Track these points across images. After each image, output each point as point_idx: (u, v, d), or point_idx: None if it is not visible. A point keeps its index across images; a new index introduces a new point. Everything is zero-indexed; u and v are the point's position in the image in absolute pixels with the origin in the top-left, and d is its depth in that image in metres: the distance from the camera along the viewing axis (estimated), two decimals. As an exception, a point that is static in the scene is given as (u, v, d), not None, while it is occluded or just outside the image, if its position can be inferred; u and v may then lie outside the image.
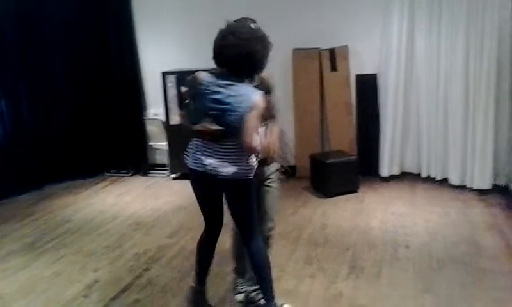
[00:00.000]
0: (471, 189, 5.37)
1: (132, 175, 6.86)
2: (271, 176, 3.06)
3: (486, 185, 5.27)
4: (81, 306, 3.41)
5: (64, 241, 4.63)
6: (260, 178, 2.97)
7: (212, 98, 2.71)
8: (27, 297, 3.60)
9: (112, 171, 6.94)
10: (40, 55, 6.42)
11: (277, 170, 3.13)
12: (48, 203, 5.82)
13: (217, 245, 3.15)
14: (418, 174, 5.89)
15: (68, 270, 4.02)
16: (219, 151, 2.72)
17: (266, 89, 2.82)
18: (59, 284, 3.76)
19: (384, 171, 5.88)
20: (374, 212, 4.95)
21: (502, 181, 5.36)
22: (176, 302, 3.44)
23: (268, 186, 3.06)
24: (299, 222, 4.74)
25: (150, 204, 5.60)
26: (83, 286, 3.71)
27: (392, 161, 5.90)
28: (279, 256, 4.04)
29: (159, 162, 7.04)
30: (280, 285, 3.57)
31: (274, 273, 3.71)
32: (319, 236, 4.43)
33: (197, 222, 4.87)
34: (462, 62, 5.28)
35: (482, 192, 5.26)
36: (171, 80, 6.38)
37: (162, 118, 6.65)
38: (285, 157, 6.26)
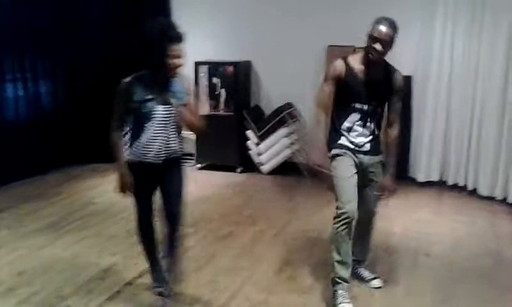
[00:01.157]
0: (501, 201, 5.20)
1: (159, 162, 6.90)
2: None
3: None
4: (96, 289, 3.45)
5: (87, 223, 4.70)
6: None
7: None
8: (44, 275, 3.66)
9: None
10: (77, 45, 6.56)
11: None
12: (74, 183, 5.93)
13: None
14: (445, 182, 5.74)
15: (87, 252, 4.08)
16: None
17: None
18: (77, 266, 3.81)
19: (421, 177, 5.78)
20: (398, 217, 4.85)
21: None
22: (189, 290, 3.44)
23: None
24: (321, 222, 4.68)
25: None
26: (100, 269, 3.76)
27: (428, 166, 5.77)
28: (296, 255, 4.01)
29: (186, 151, 7.04)
30: (296, 283, 3.55)
31: (290, 271, 3.71)
32: (339, 237, 4.36)
33: (217, 215, 4.93)
34: (501, 70, 5.12)
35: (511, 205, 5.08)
36: (203, 70, 6.40)
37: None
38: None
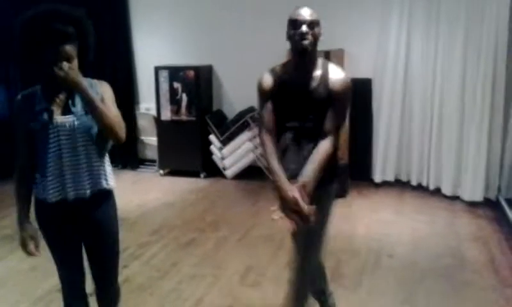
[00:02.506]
0: (461, 200, 5.32)
1: (120, 169, 6.79)
2: None
3: (477, 197, 5.22)
4: (54, 302, 3.34)
5: (45, 233, 4.55)
6: None
7: None
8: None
9: (100, 164, 6.86)
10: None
11: None
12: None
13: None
14: (408, 182, 5.83)
15: (46, 263, 3.91)
16: None
17: None
18: (34, 278, 3.70)
19: (377, 177, 5.83)
20: (360, 218, 4.90)
21: (492, 195, 5.29)
22: (153, 301, 3.38)
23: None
24: (285, 226, 4.67)
25: (135, 199, 5.53)
26: (58, 280, 3.64)
27: (384, 167, 5.84)
28: (260, 260, 3.99)
29: (148, 157, 6.98)
30: (259, 289, 3.53)
31: (254, 276, 3.69)
32: (302, 240, 4.37)
33: (181, 221, 4.87)
34: (458, 72, 5.23)
35: (472, 204, 5.20)
36: (164, 75, 6.33)
37: (154, 112, 6.59)
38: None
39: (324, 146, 2.39)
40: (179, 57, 6.53)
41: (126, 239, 4.41)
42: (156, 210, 5.20)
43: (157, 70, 6.33)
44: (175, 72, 6.30)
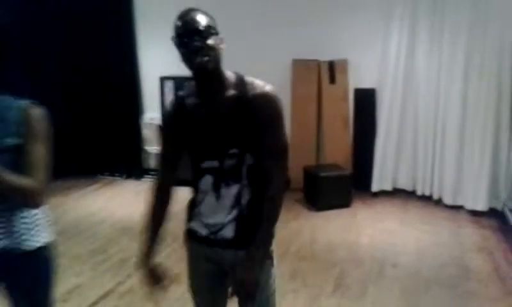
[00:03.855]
0: (466, 210, 5.31)
1: (125, 179, 6.81)
2: None
3: (482, 206, 5.20)
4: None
5: (50, 243, 4.58)
6: None
7: None
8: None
9: (105, 173, 6.90)
10: (37, 54, 6.41)
11: None
12: (38, 203, 5.77)
13: None
14: (413, 192, 5.82)
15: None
16: None
17: None
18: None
19: (375, 187, 5.82)
20: (365, 228, 4.89)
21: (498, 205, 5.27)
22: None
23: None
24: (288, 235, 4.68)
25: (140, 209, 5.46)
26: (63, 290, 3.65)
27: (385, 177, 5.84)
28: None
29: (153, 166, 6.99)
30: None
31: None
32: (306, 250, 4.37)
33: (184, 231, 4.87)
34: (461, 82, 5.24)
35: (476, 214, 5.19)
36: (169, 85, 6.36)
37: (159, 122, 6.61)
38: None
39: (269, 194, 1.87)
40: (184, 67, 6.55)
41: (130, 248, 4.43)
42: (160, 220, 5.21)
43: (162, 80, 6.36)
44: (180, 82, 6.32)
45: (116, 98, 6.74)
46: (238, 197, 1.87)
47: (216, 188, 1.89)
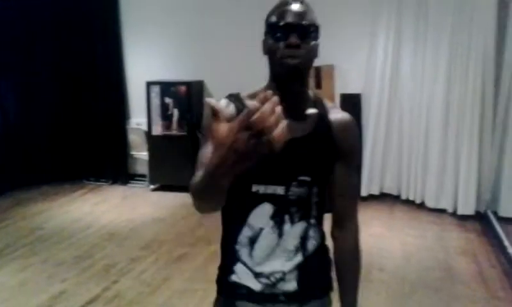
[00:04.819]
0: (450, 214, 5.36)
1: (111, 184, 6.76)
2: None
3: (466, 210, 5.26)
4: (44, 318, 3.33)
5: (34, 249, 4.53)
6: None
7: None
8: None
9: (91, 178, 6.84)
10: (22, 58, 6.38)
11: None
12: (22, 209, 5.70)
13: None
14: (398, 196, 5.87)
15: (35, 279, 3.93)
16: None
17: None
18: (24, 294, 3.67)
19: (364, 191, 5.85)
20: (351, 232, 4.91)
21: (482, 208, 5.34)
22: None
23: None
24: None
25: (126, 214, 5.51)
26: (49, 296, 3.63)
27: (373, 182, 5.87)
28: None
29: (139, 172, 6.96)
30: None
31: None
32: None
33: (171, 236, 4.86)
34: (445, 86, 5.30)
35: (460, 218, 5.24)
36: (155, 90, 6.35)
37: (145, 127, 6.59)
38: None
39: (349, 244, 1.61)
40: (171, 72, 6.56)
41: (116, 254, 4.41)
42: (147, 225, 5.18)
43: (149, 85, 6.34)
44: (166, 87, 6.32)
45: (101, 103, 6.69)
46: (304, 239, 1.49)
47: (279, 223, 1.45)
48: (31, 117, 6.54)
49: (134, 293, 3.68)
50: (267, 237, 1.45)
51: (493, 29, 5.06)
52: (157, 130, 6.39)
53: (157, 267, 4.17)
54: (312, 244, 1.51)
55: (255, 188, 1.43)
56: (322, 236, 1.56)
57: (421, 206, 5.60)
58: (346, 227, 1.60)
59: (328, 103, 1.55)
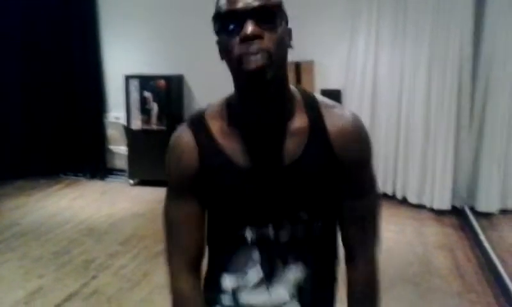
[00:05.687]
0: (429, 209, 5.43)
1: (89, 179, 6.68)
2: None
3: (444, 205, 5.33)
4: (21, 314, 3.28)
5: (11, 245, 4.45)
6: None
7: None
8: None
9: (68, 173, 6.75)
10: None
11: None
12: (-3, 203, 5.62)
13: None
14: (381, 192, 5.90)
15: (12, 275, 3.86)
16: None
17: None
18: (0, 290, 3.60)
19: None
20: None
21: (459, 203, 5.42)
22: (122, 312, 3.34)
23: None
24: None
25: (104, 209, 5.45)
26: (26, 292, 3.57)
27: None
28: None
29: (118, 166, 6.89)
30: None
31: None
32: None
33: (151, 231, 4.82)
34: (424, 82, 5.35)
35: (439, 213, 5.31)
36: (134, 83, 6.28)
37: (123, 121, 6.52)
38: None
39: (363, 278, 1.33)
40: (150, 66, 6.49)
41: (95, 249, 4.36)
42: (126, 220, 5.13)
43: (128, 78, 6.27)
44: (145, 81, 6.26)
45: (79, 96, 6.59)
46: (300, 285, 1.25)
47: (269, 273, 1.20)
48: (5, 110, 6.40)
49: (113, 289, 3.64)
50: (255, 292, 1.21)
51: (470, 26, 5.12)
52: (137, 124, 6.32)
53: (137, 262, 4.14)
54: (309, 287, 1.25)
55: (240, 232, 1.18)
56: (330, 283, 1.33)
57: (399, 201, 5.66)
58: (358, 255, 1.30)
59: (322, 103, 1.20)
